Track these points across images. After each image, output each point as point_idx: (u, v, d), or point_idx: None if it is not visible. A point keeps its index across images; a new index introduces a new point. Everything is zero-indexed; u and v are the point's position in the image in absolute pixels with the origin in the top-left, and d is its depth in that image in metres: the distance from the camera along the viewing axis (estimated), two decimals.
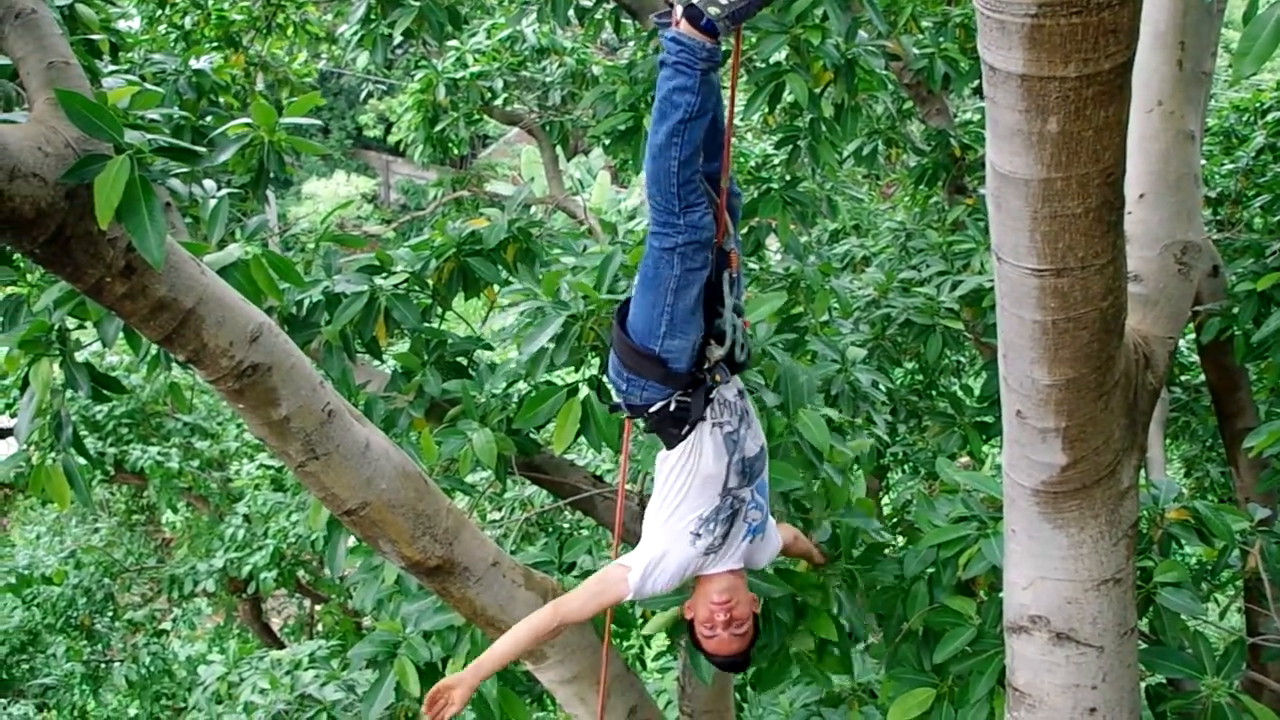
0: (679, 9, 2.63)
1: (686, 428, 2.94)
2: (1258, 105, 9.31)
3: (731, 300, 2.92)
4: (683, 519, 2.99)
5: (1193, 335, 6.91)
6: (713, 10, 2.58)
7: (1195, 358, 7.99)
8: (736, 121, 11.70)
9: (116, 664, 10.88)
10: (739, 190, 3.09)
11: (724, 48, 2.69)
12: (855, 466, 4.48)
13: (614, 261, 3.99)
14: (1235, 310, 5.58)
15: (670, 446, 2.99)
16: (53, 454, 3.92)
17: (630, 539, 4.96)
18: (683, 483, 2.98)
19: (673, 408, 2.92)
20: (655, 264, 2.77)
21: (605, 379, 3.17)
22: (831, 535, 3.99)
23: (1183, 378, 9.06)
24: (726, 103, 2.87)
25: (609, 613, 3.62)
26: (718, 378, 2.96)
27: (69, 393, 3.96)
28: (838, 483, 4.02)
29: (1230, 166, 8.83)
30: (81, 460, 4.06)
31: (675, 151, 2.64)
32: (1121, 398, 2.82)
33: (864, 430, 5.28)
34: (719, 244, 2.85)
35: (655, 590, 3.04)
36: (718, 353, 2.93)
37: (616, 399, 3.06)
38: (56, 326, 3.76)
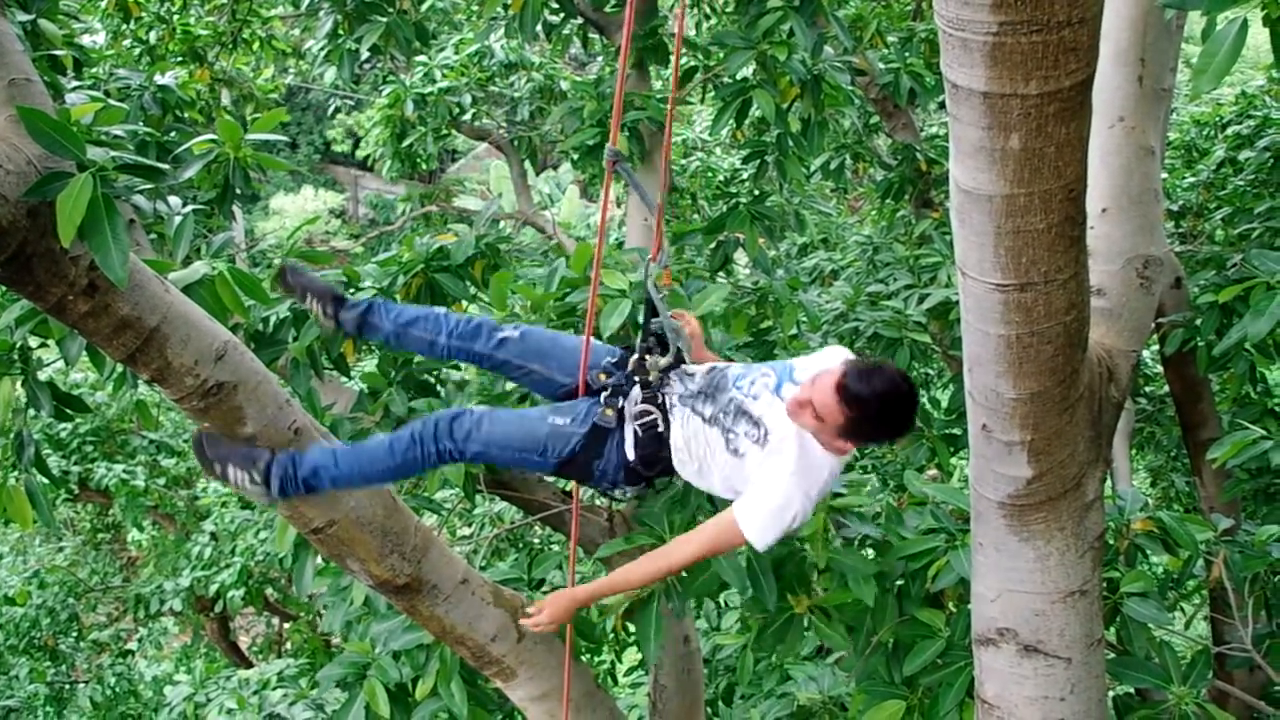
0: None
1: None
2: (1218, 119, 9.45)
3: (665, 312, 3.11)
4: (721, 458, 3.01)
5: (1157, 347, 6.99)
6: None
7: (1159, 369, 8.08)
8: (706, 136, 11.77)
9: (81, 685, 10.73)
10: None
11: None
12: None
13: (555, 277, 4.00)
14: (1198, 322, 5.64)
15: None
16: (15, 474, 3.87)
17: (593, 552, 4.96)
18: (701, 453, 3.04)
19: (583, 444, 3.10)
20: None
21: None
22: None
23: (1147, 389, 9.17)
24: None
25: (570, 629, 3.62)
26: (653, 379, 3.12)
27: (31, 412, 3.91)
28: None
29: (1191, 180, 8.96)
30: (44, 480, 4.01)
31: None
32: (1085, 411, 2.85)
33: None
34: (653, 260, 3.12)
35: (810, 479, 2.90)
36: (663, 362, 3.09)
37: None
38: (18, 345, 3.72)
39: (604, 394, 3.17)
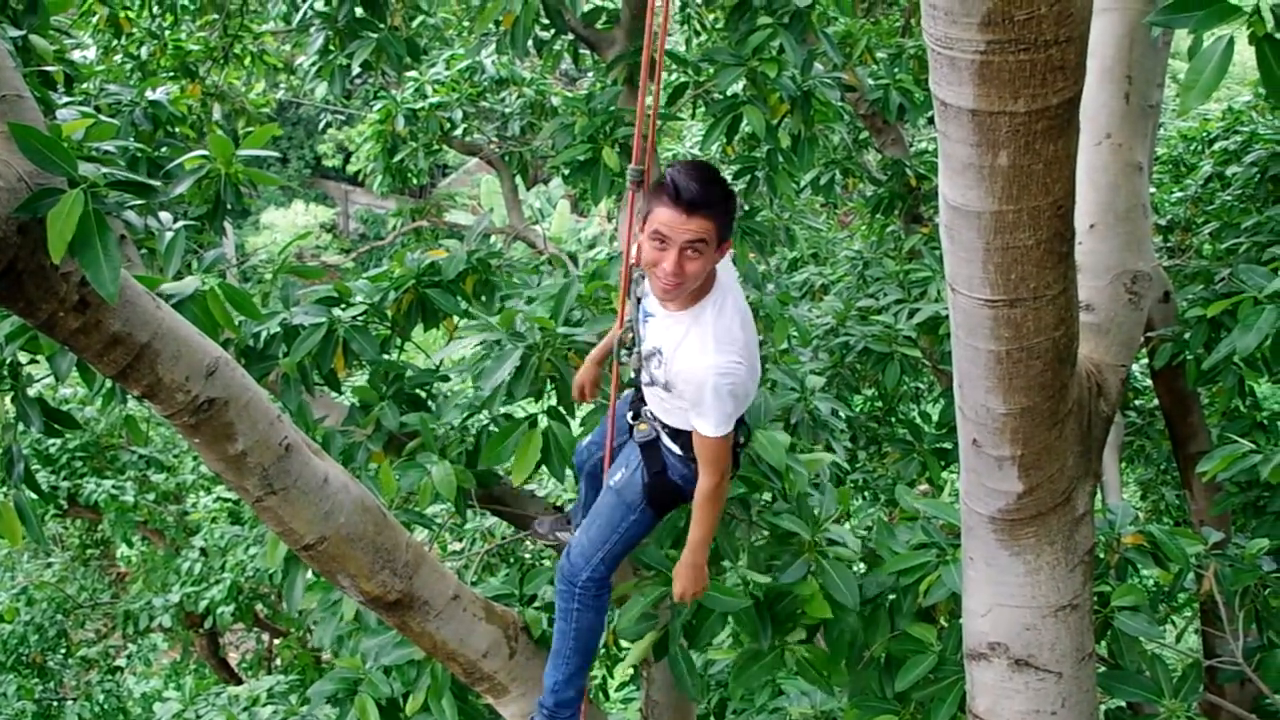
0: None
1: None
2: (1205, 135, 9.51)
3: (638, 317, 3.14)
4: (675, 401, 3.08)
5: (1146, 360, 7.01)
6: None
7: (1149, 382, 8.11)
8: (696, 151, 11.78)
9: (69, 702, 10.66)
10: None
11: None
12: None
13: (570, 293, 4.01)
14: (1186, 336, 5.66)
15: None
16: (4, 490, 3.86)
17: None
18: (671, 411, 3.15)
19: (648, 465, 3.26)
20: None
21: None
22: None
23: (1137, 402, 9.19)
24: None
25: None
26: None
27: (21, 427, 3.90)
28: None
29: (1179, 195, 9.01)
30: (34, 495, 3.99)
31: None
32: (1075, 425, 2.86)
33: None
34: (636, 265, 3.08)
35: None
36: (635, 360, 3.15)
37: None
38: (8, 361, 3.71)
39: (630, 416, 3.27)
